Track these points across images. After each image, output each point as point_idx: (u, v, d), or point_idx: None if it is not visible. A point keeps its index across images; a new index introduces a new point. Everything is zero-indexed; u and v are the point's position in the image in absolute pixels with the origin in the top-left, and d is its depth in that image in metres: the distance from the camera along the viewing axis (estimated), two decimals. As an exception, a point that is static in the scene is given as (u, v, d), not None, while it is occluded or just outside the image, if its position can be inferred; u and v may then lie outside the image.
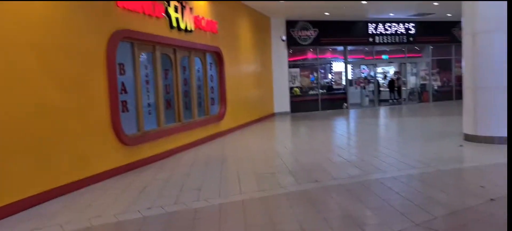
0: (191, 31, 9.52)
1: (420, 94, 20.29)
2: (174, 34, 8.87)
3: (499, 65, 8.00)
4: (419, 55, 20.88)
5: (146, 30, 7.80)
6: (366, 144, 9.16)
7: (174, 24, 8.79)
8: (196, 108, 10.05)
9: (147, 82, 8.08)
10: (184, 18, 9.19)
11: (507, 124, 3.10)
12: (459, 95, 20.47)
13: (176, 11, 8.86)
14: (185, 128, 9.22)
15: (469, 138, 8.58)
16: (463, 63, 8.85)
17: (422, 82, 20.29)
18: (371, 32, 18.80)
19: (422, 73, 20.19)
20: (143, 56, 7.93)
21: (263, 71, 15.95)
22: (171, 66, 9.02)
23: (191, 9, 9.49)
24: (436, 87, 20.45)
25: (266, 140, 10.37)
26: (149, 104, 8.11)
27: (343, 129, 13.12)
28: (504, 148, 7.58)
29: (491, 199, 4.60)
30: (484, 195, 4.80)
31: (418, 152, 7.85)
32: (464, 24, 8.70)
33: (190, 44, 9.54)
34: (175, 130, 8.78)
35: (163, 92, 8.56)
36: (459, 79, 20.59)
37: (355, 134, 11.57)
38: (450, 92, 20.63)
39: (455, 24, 20.11)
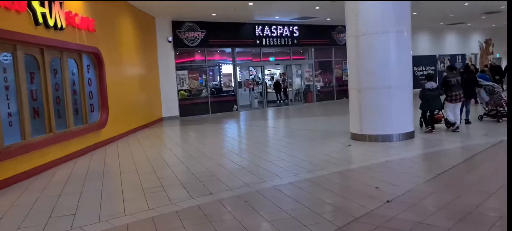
0: (62, 28, 8.33)
1: (305, 95, 21.09)
2: (41, 32, 7.64)
3: (381, 66, 8.39)
4: (303, 57, 21.71)
5: (3, 26, 6.53)
6: (258, 147, 8.95)
7: (40, 20, 7.55)
8: (72, 117, 8.86)
9: (6, 88, 6.78)
10: (53, 13, 7.98)
11: (507, 124, 2.86)
12: (339, 95, 21.83)
13: (42, 5, 7.64)
14: (58, 139, 8.01)
15: (355, 137, 8.87)
16: (348, 65, 9.14)
17: (306, 83, 21.10)
18: (258, 34, 18.94)
19: (306, 75, 21.00)
20: (1, 57, 6.63)
21: (149, 74, 14.99)
22: (38, 69, 7.76)
23: (60, 4, 8.29)
24: (319, 88, 21.44)
25: (154, 148, 9.59)
26: (9, 114, 6.82)
27: (234, 132, 12.86)
28: (387, 146, 7.96)
29: (388, 201, 4.59)
30: (380, 196, 4.78)
31: (310, 153, 7.84)
32: (347, 27, 8.97)
33: (61, 43, 8.34)
34: (45, 142, 7.55)
35: (28, 99, 7.30)
36: (339, 80, 21.94)
37: (247, 137, 11.36)
38: (332, 93, 21.80)
39: (335, 28, 21.34)
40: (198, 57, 18.19)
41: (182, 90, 17.11)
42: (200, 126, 13.91)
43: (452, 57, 27.76)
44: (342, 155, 7.47)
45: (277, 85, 21.98)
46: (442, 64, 27.03)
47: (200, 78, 18.24)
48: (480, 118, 10.65)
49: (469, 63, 21.50)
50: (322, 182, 5.65)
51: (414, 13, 14.88)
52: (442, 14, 20.38)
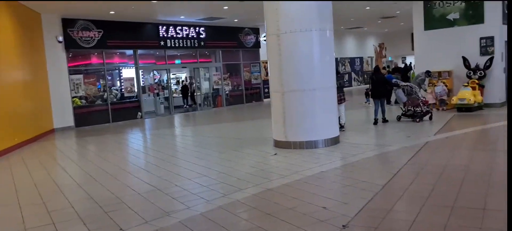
0: None
1: (214, 99, 20.17)
2: None
3: (305, 67, 7.80)
4: (210, 60, 20.78)
5: None
6: (171, 161, 7.81)
7: None
8: None
9: None
10: None
11: (507, 124, 2.21)
12: (248, 99, 21.30)
13: None
14: None
15: (279, 145, 8.17)
16: (270, 66, 8.42)
17: (215, 87, 20.19)
18: (162, 35, 17.56)
19: (215, 78, 20.10)
20: None
21: (35, 79, 12.85)
22: None
23: None
24: (228, 92, 20.68)
25: (43, 168, 7.90)
26: None
27: (140, 143, 11.46)
28: (314, 153, 7.37)
29: (343, 226, 3.85)
30: (331, 219, 4.03)
31: (233, 166, 6.93)
32: (267, 25, 8.24)
33: None
34: None
35: None
36: (248, 83, 21.40)
37: (156, 148, 10.07)
38: (241, 96, 21.18)
39: (242, 30, 20.76)
40: (95, 60, 16.25)
41: (76, 97, 15.09)
42: (100, 137, 12.21)
43: (352, 60, 29.00)
44: (271, 167, 6.68)
45: (184, 90, 20.76)
46: (343, 66, 28.06)
47: (97, 83, 16.30)
48: (398, 118, 10.71)
49: (380, 65, 22.42)
50: (258, 204, 4.77)
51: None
52: (343, 18, 20.91)
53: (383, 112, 10.65)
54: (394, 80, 11.24)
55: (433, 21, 12.95)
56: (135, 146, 10.88)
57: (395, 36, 29.65)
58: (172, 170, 6.97)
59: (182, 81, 22.30)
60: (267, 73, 22.22)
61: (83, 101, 15.40)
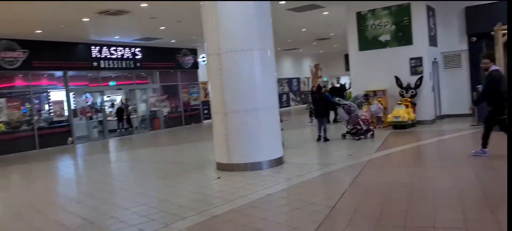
0: None
1: (152, 121, 19.45)
2: None
3: (247, 87, 7.63)
4: (146, 81, 20.11)
5: None
6: (108, 190, 7.23)
7: None
8: None
9: None
10: None
11: (507, 123, 2.07)
12: (187, 121, 20.80)
13: None
14: None
15: (222, 168, 7.88)
16: (211, 86, 8.16)
17: (152, 109, 19.50)
18: (95, 56, 16.71)
19: (152, 100, 19.43)
20: None
21: None
22: None
23: None
24: (166, 114, 20.06)
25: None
26: None
27: (71, 171, 10.62)
28: (259, 175, 7.17)
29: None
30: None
31: (175, 191, 6.53)
32: (208, 44, 8.02)
33: None
34: None
35: None
36: (187, 104, 20.94)
37: (89, 176, 9.35)
38: (180, 118, 20.64)
39: (179, 51, 20.36)
40: (19, 82, 15.04)
41: (-1, 122, 13.81)
42: (24, 166, 11.17)
43: (289, 80, 29.53)
44: (215, 191, 6.37)
45: (119, 112, 19.81)
46: (282, 87, 28.45)
47: (22, 107, 15.06)
48: (343, 136, 10.83)
49: (321, 84, 22.79)
50: (203, 233, 4.44)
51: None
52: (280, 39, 21.25)
53: (324, 131, 10.76)
54: (337, 99, 11.50)
55: (366, 43, 13.45)
56: (65, 174, 10.06)
57: (329, 57, 30.64)
58: (107, 199, 6.42)
59: (119, 103, 21.35)
60: (206, 94, 21.92)
61: (6, 126, 14.11)
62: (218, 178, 7.26)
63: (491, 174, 6.18)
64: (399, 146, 9.08)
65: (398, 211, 4.60)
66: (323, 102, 11.22)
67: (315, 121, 11.48)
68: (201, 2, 7.99)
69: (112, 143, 16.02)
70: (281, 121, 12.03)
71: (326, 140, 10.68)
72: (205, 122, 21.29)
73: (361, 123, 10.48)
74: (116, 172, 9.63)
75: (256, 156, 7.69)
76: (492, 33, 12.03)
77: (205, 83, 21.81)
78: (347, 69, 31.15)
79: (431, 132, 11.02)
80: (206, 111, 21.64)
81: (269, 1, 7.97)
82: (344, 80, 27.30)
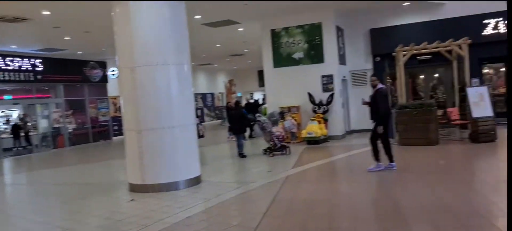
0: None
1: (55, 139, 17.88)
2: None
3: (164, 103, 7.26)
4: (48, 95, 18.53)
5: None
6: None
7: None
8: None
9: None
10: None
11: (507, 125, 1.99)
12: (95, 137, 19.50)
13: None
14: None
15: (136, 189, 7.37)
16: (123, 102, 7.64)
17: (55, 125, 17.95)
18: (-13, 67, 15.01)
19: (55, 116, 17.90)
20: None
21: None
22: None
23: None
24: (71, 130, 18.60)
25: None
26: None
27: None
28: (175, 195, 6.82)
29: None
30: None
31: (83, 219, 5.92)
32: (120, 57, 7.52)
33: None
34: None
35: None
36: (95, 120, 19.65)
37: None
38: (87, 135, 19.27)
39: (87, 63, 19.12)
40: None
41: None
42: None
43: (203, 96, 29.25)
44: (128, 216, 5.86)
45: (15, 129, 17.93)
46: (196, 102, 28.05)
47: None
48: (264, 151, 10.78)
49: (239, 100, 22.76)
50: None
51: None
52: (195, 54, 20.97)
53: (240, 147, 10.73)
54: (257, 115, 11.53)
55: (281, 60, 13.74)
56: None
57: (243, 73, 31.00)
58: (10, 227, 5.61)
59: (16, 119, 19.36)
60: (116, 109, 20.80)
61: None
62: (132, 200, 6.76)
63: (401, 187, 6.50)
64: (314, 162, 9.27)
65: (322, 229, 4.58)
66: (240, 119, 11.21)
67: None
68: (113, 14, 7.49)
69: (7, 163, 14.39)
70: (202, 136, 11.80)
71: (243, 156, 10.62)
72: (115, 138, 20.16)
73: (275, 139, 10.56)
74: (10, 197, 8.56)
75: (172, 176, 7.32)
76: (394, 53, 12.99)
77: (115, 98, 20.71)
78: (261, 85, 31.84)
79: (342, 147, 11.48)
80: (116, 127, 20.51)
81: (185, 15, 7.72)
82: (258, 96, 27.77)
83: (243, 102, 20.81)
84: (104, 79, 20.22)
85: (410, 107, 10.42)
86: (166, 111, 7.27)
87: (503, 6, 12.71)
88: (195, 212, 5.73)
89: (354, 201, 5.80)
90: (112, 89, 20.49)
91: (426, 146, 9.96)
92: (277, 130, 10.79)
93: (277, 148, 10.55)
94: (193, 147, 7.77)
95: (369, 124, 14.26)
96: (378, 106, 7.47)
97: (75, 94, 19.04)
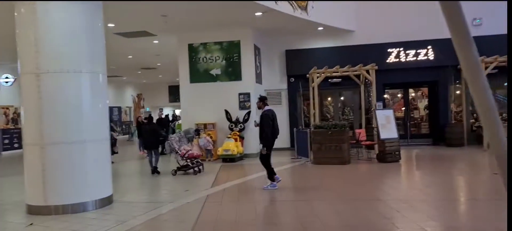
0: None
1: None
2: None
3: (73, 115, 6.54)
4: None
5: None
6: None
7: None
8: None
9: None
10: None
11: (507, 125, 1.83)
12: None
13: None
14: None
15: (35, 211, 6.48)
16: (23, 112, 6.73)
17: None
18: None
19: None
20: None
21: None
22: None
23: None
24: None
25: None
26: None
27: None
28: (83, 218, 6.13)
29: None
30: None
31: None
32: (21, 61, 6.65)
33: None
34: None
35: None
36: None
37: None
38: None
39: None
40: None
41: None
42: None
43: (110, 109, 27.60)
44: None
45: None
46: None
47: None
48: (174, 172, 10.12)
49: (153, 114, 21.61)
50: None
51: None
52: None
53: (156, 161, 10.26)
54: (172, 130, 11.02)
55: (198, 75, 13.42)
56: None
57: (153, 88, 29.98)
58: None
59: None
60: (8, 121, 18.72)
61: None
62: (31, 224, 5.90)
63: (305, 203, 6.55)
64: (233, 180, 9.05)
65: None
66: (154, 133, 10.67)
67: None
68: (17, 14, 6.63)
69: None
70: (115, 152, 11.09)
71: (157, 172, 10.10)
72: (5, 153, 18.02)
73: (179, 159, 10.10)
74: None
75: (80, 196, 6.58)
76: (308, 75, 13.42)
77: (6, 108, 18.64)
78: (171, 100, 31.10)
79: (258, 165, 11.39)
80: (6, 141, 18.37)
81: (102, 19, 7.12)
82: (167, 111, 26.94)
83: (155, 118, 19.97)
84: (-5, 86, 18.06)
85: (325, 127, 10.75)
86: (76, 124, 6.55)
87: (444, 30, 13.84)
88: (109, 237, 5.15)
89: (280, 220, 5.67)
90: (3, 98, 18.39)
91: (339, 165, 10.31)
92: (185, 148, 10.29)
93: (182, 167, 10.11)
94: (106, 163, 7.10)
95: (282, 143, 14.65)
96: (263, 129, 7.82)
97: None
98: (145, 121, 12.12)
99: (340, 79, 14.19)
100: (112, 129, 12.89)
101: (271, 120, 7.91)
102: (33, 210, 6.51)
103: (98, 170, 6.84)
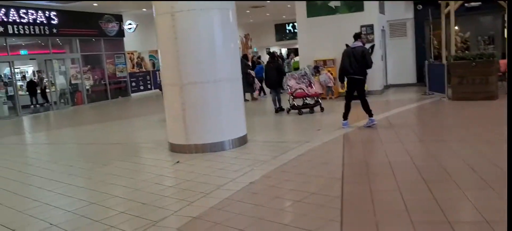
0: None
1: (73, 96, 17.22)
2: None
3: (207, 54, 6.44)
4: (64, 51, 17.76)
5: None
6: (33, 182, 5.72)
7: None
8: None
9: None
10: None
11: (507, 125, 1.27)
12: (114, 94, 18.83)
13: None
14: None
15: (177, 149, 6.68)
16: (161, 53, 6.82)
17: (73, 81, 17.25)
18: (1, 20, 14.16)
19: (73, 72, 17.17)
20: None
21: None
22: None
23: None
24: (88, 87, 17.93)
25: None
26: None
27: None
28: (223, 157, 6.13)
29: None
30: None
31: (132, 184, 5.23)
32: (156, 2, 6.65)
33: None
34: None
35: None
36: (112, 77, 18.93)
37: (9, 166, 7.55)
38: (105, 92, 18.61)
39: (102, 16, 18.15)
40: None
41: None
42: None
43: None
44: (181, 181, 5.19)
45: (31, 86, 17.32)
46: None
47: None
48: (288, 111, 9.99)
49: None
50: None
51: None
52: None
53: (279, 101, 10.19)
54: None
55: (315, 8, 12.69)
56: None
57: (259, 28, 29.83)
58: (42, 198, 4.95)
59: (31, 75, 18.73)
60: (133, 65, 20.07)
61: None
62: (177, 162, 6.07)
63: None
64: (362, 119, 8.45)
65: (424, 200, 3.85)
66: (277, 72, 10.45)
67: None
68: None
69: (27, 121, 13.83)
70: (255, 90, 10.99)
71: (281, 110, 10.13)
72: (134, 95, 19.53)
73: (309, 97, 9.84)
74: (44, 158, 7.90)
75: (218, 135, 6.61)
76: (439, 1, 11.85)
77: (132, 53, 19.93)
78: (278, 39, 30.74)
79: (384, 103, 10.66)
80: (133, 84, 19.84)
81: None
82: (274, 50, 26.70)
83: (266, 57, 19.86)
84: (121, 33, 19.30)
85: (468, 58, 9.46)
86: (210, 64, 6.45)
87: None
88: (258, 176, 5.02)
89: (444, 164, 5.03)
90: (129, 44, 19.65)
91: (485, 101, 9.08)
92: (294, 86, 9.91)
93: (293, 107, 9.85)
94: (239, 103, 7.00)
95: (407, 78, 13.52)
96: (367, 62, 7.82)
97: (91, 49, 18.27)
98: (259, 60, 12.02)
99: (479, 3, 12.36)
100: (248, 67, 13.02)
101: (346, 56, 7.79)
102: (175, 148, 6.72)
103: (233, 110, 6.78)
